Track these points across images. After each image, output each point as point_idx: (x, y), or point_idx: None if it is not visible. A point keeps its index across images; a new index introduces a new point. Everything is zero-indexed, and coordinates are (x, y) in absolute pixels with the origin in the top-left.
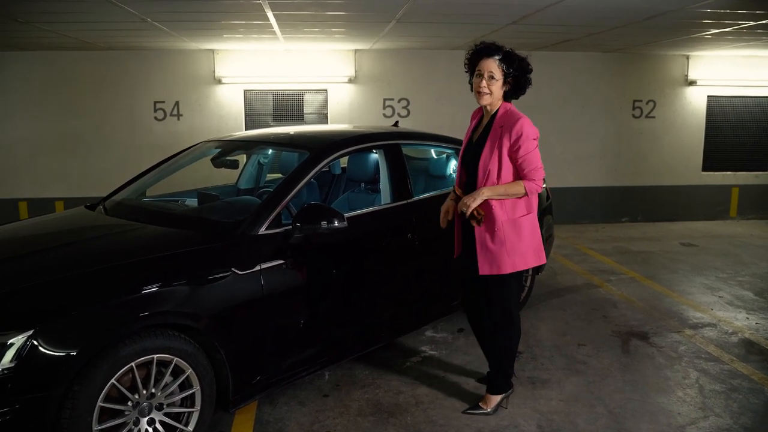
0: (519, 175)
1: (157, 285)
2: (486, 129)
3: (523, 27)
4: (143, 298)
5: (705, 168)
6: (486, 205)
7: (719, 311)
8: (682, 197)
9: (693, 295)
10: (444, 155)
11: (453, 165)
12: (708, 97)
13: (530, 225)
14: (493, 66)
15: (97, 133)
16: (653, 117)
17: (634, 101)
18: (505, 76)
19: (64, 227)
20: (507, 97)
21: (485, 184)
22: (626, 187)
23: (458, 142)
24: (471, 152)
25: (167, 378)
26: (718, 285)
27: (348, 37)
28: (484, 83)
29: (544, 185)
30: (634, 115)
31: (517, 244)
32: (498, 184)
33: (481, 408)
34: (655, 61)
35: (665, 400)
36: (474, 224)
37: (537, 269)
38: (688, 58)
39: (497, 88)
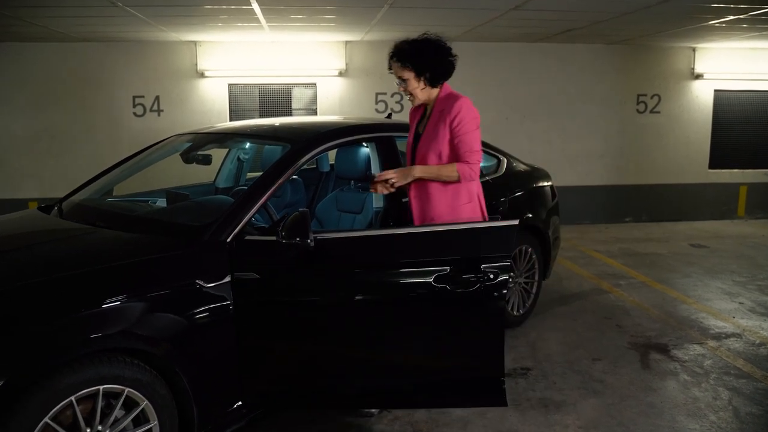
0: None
1: (103, 302)
2: (428, 117)
3: (526, 13)
4: (85, 318)
5: (711, 165)
6: (424, 188)
7: (742, 319)
8: (688, 196)
9: (711, 301)
10: None
11: None
12: (715, 91)
13: (470, 214)
14: (397, 70)
15: (72, 130)
16: (658, 112)
17: (639, 96)
18: (417, 69)
19: (8, 232)
20: (434, 82)
21: None
22: (630, 186)
23: None
24: (417, 142)
25: (117, 412)
26: (737, 290)
27: (338, 27)
28: (401, 88)
29: (549, 183)
30: (638, 110)
31: None
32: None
33: None
34: (660, 54)
35: (697, 426)
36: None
37: (543, 275)
38: (694, 50)
39: (414, 86)
